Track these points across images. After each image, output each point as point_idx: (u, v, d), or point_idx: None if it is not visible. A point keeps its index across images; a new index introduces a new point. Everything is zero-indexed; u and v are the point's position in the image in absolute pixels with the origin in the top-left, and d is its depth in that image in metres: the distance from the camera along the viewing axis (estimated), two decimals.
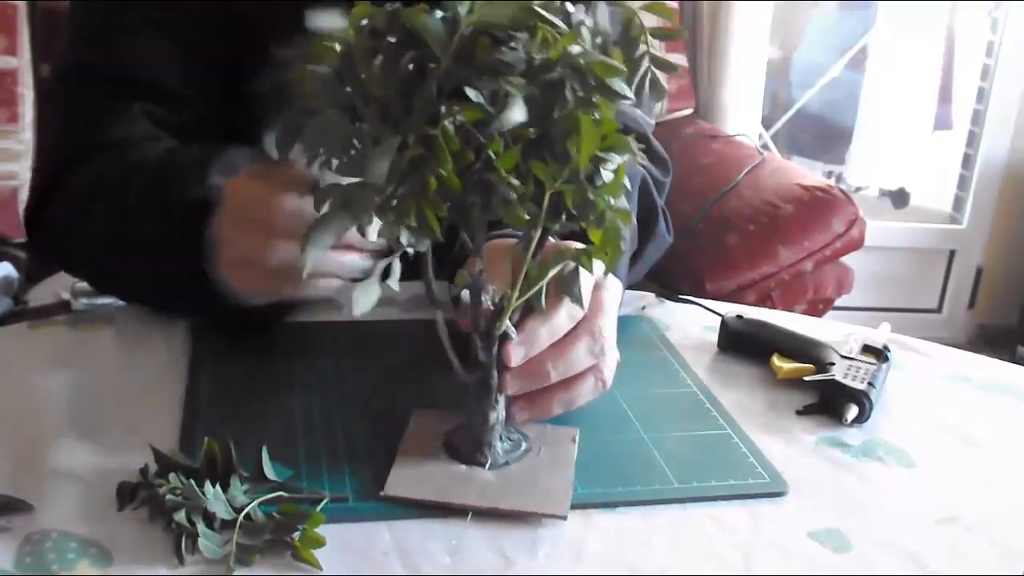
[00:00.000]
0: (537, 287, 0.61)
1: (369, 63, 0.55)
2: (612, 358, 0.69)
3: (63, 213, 0.87)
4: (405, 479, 0.63)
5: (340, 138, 0.55)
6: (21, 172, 1.83)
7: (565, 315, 0.65)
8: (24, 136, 1.83)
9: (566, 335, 0.66)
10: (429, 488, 0.62)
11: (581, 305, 0.64)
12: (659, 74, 0.60)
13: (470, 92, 0.54)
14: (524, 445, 0.67)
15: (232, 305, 0.73)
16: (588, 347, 0.66)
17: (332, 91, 0.56)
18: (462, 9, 0.53)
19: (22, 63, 1.82)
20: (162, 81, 0.89)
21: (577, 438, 0.69)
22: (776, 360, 0.80)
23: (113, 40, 0.90)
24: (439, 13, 0.55)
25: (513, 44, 0.54)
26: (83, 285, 1.55)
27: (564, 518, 0.62)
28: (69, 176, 0.88)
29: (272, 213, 0.67)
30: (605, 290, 0.69)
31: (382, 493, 0.61)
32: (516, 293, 0.61)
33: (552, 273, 0.61)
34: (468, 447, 0.65)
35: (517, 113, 0.53)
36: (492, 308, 0.63)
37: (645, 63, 0.59)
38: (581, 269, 0.63)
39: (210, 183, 0.73)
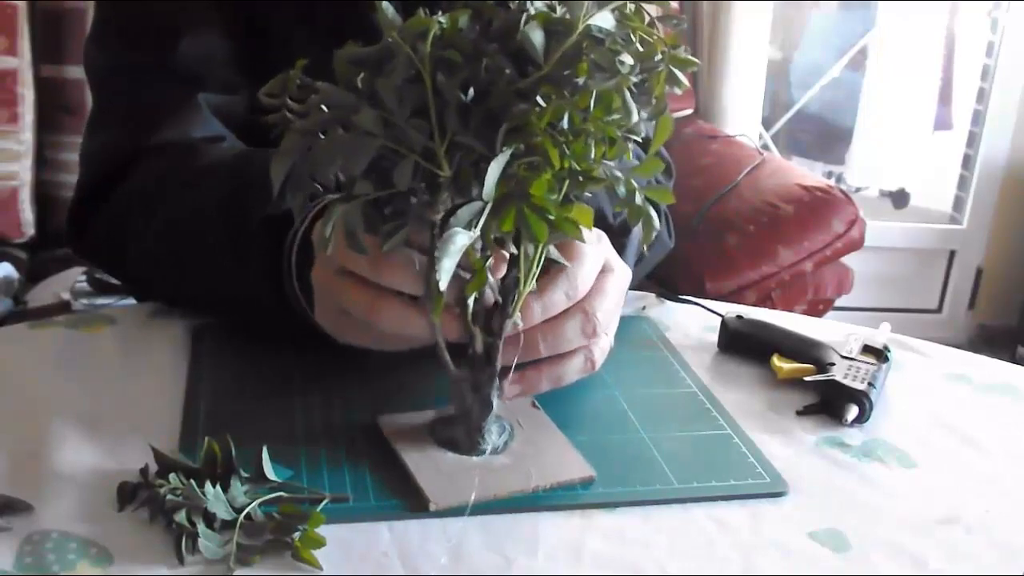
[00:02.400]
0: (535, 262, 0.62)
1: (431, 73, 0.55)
2: (606, 342, 0.69)
3: (117, 214, 0.87)
4: (440, 486, 0.62)
5: (366, 154, 0.55)
6: (21, 172, 1.83)
7: (562, 294, 0.65)
8: (24, 136, 1.83)
9: (561, 313, 0.66)
10: (469, 488, 0.62)
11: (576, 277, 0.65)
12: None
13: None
14: (506, 425, 0.68)
15: (299, 322, 0.73)
16: (580, 326, 0.66)
17: (354, 107, 0.56)
18: (570, 16, 0.54)
19: (22, 63, 1.82)
20: (219, 76, 0.90)
21: (537, 404, 0.71)
22: (776, 360, 0.80)
23: (168, 37, 0.89)
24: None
25: (612, 45, 0.56)
26: (83, 285, 1.55)
27: (595, 476, 0.64)
28: (123, 177, 0.87)
29: (383, 269, 0.62)
30: (611, 273, 0.70)
31: (432, 507, 0.61)
32: (525, 287, 0.62)
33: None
34: (465, 438, 0.65)
35: (637, 112, 0.57)
36: (497, 301, 0.63)
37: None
38: (584, 250, 0.65)
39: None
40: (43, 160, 1.87)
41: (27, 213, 1.85)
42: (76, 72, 1.84)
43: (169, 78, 0.89)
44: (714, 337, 0.86)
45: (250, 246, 0.75)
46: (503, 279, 0.63)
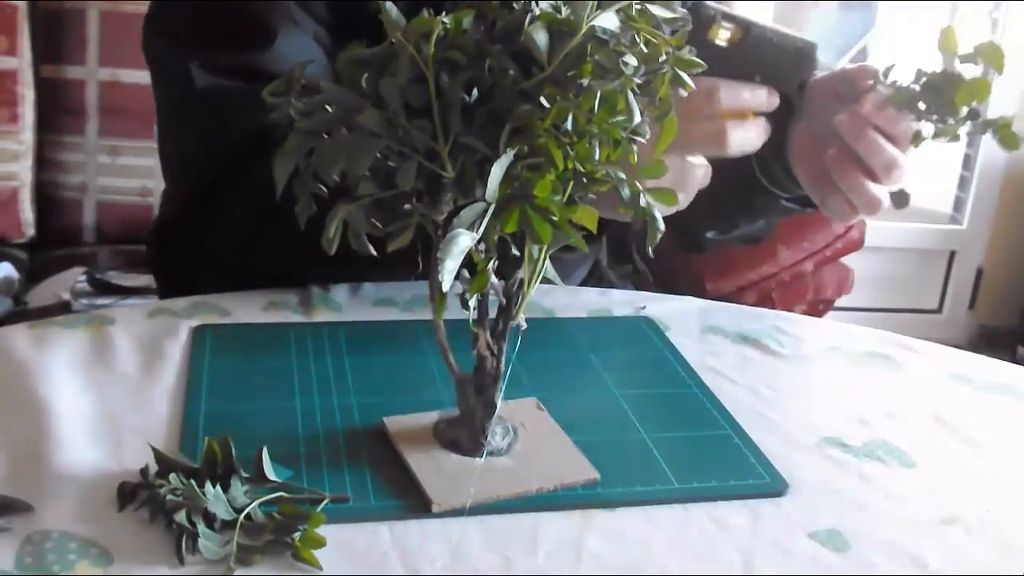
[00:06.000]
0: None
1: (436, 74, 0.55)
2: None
3: (251, 205, 0.85)
4: (441, 488, 0.62)
5: (369, 154, 0.55)
6: (21, 172, 1.83)
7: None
8: (24, 136, 1.83)
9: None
10: (471, 490, 0.62)
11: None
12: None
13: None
14: (510, 426, 0.68)
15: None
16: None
17: (358, 108, 0.56)
18: (574, 17, 0.55)
19: (22, 63, 1.82)
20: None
21: (542, 405, 0.71)
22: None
23: (266, 41, 0.89)
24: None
25: (617, 46, 0.56)
26: (83, 285, 1.55)
27: (598, 479, 0.64)
28: (231, 177, 0.87)
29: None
30: None
31: (435, 509, 0.61)
32: (530, 289, 0.62)
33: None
34: (468, 440, 0.65)
35: (638, 113, 0.57)
36: (501, 303, 0.63)
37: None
38: None
39: None
40: (43, 160, 1.86)
41: (27, 213, 1.85)
42: (76, 72, 1.84)
43: (261, 78, 0.89)
44: (714, 337, 0.86)
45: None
46: (507, 281, 0.63)
